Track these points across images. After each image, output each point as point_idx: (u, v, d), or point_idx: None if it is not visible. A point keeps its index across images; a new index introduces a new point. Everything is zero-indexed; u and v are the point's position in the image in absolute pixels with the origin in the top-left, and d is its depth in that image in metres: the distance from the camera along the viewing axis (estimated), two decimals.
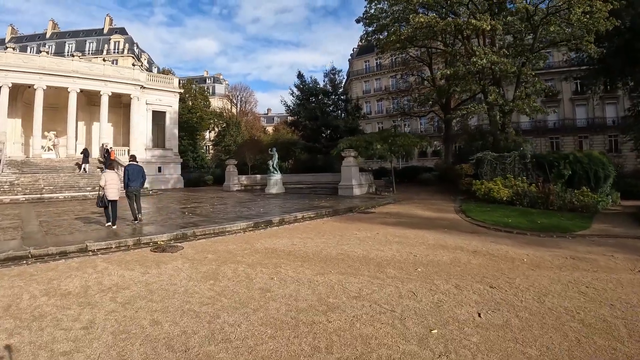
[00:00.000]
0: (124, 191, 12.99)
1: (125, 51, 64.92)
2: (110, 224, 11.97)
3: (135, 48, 68.91)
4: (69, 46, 62.81)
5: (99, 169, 31.85)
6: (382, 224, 13.35)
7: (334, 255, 8.60)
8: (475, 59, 24.11)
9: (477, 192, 20.68)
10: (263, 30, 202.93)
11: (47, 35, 66.95)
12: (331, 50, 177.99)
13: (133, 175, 12.79)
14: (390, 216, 15.57)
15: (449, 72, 27.18)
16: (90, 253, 9.10)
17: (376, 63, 67.47)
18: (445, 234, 11.63)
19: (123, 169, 13.69)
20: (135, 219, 12.77)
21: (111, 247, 9.66)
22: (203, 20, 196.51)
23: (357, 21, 34.17)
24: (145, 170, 33.60)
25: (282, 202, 21.40)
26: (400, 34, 28.49)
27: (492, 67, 24.63)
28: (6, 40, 59.64)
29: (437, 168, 37.87)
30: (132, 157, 13.93)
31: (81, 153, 31.26)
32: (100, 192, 12.03)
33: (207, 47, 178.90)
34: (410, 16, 25.39)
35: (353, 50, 73.24)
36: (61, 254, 8.94)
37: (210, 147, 69.36)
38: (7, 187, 26.42)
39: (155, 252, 9.16)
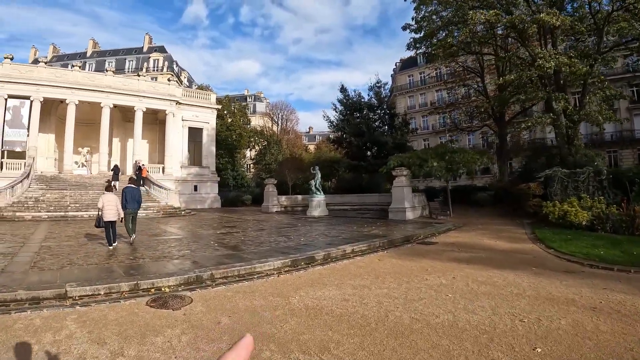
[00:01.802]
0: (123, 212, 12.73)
1: (165, 69, 64.54)
2: (111, 247, 11.78)
3: (174, 66, 68.57)
4: (108, 64, 62.80)
5: None
6: (454, 261, 10.23)
7: (407, 322, 5.55)
8: (541, 62, 21.18)
9: (550, 216, 17.50)
10: (304, 51, 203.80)
11: (88, 54, 67.62)
12: (371, 70, 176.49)
13: (131, 197, 13.04)
14: (459, 249, 12.37)
15: (512, 77, 24.03)
16: (69, 302, 6.74)
17: (420, 77, 64.48)
18: (538, 276, 8.46)
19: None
20: (130, 241, 12.86)
21: (98, 294, 7.15)
22: (245, 42, 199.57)
23: (404, 28, 31.43)
24: (180, 189, 32.44)
25: (326, 227, 18.54)
26: (456, 36, 25.76)
27: (563, 69, 21.65)
28: (48, 59, 60.22)
29: (492, 187, 34.38)
30: (131, 180, 14.68)
31: (111, 170, 29.49)
32: (98, 214, 12.17)
33: (249, 68, 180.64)
34: (470, 13, 22.36)
35: (395, 65, 70.44)
36: (32, 301, 6.69)
37: (251, 165, 67.62)
38: (31, 203, 24.97)
39: (152, 306, 6.45)
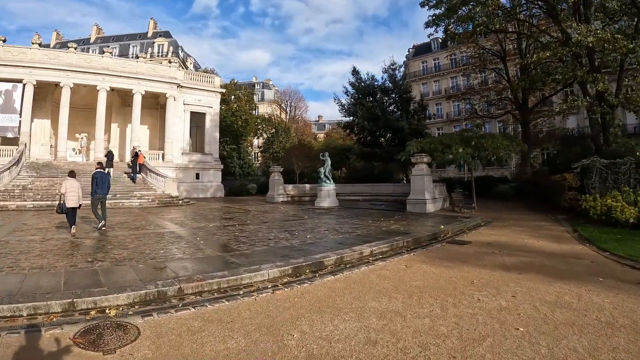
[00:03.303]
0: (90, 198, 12.82)
1: (170, 54, 62.16)
2: (73, 231, 11.57)
3: (180, 51, 66.18)
4: (112, 50, 60.68)
5: (125, 174, 28.02)
6: (502, 269, 7.91)
7: None
8: (579, 37, 18.89)
9: (591, 211, 15.13)
10: (315, 41, 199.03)
11: (91, 40, 65.61)
12: (381, 64, 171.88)
13: (101, 182, 12.69)
14: (500, 250, 9.99)
15: (547, 54, 21.60)
16: None
17: (434, 64, 61.75)
18: (615, 292, 6.32)
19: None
20: (99, 226, 12.63)
21: (19, 316, 4.96)
22: (256, 32, 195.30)
23: (422, 5, 28.56)
24: (181, 177, 30.49)
25: (337, 221, 16.19)
26: (479, 12, 23.33)
27: (606, 46, 19.65)
28: (51, 45, 58.37)
29: (515, 179, 31.93)
30: (100, 165, 13.73)
31: (105, 156, 27.39)
32: (60, 200, 11.72)
33: (260, 58, 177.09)
34: None
35: (408, 51, 67.46)
36: None
37: (259, 154, 65.40)
38: (17, 191, 22.97)
39: (78, 342, 4.29)
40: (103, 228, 12.54)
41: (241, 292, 6.10)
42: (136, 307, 5.46)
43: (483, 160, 20.79)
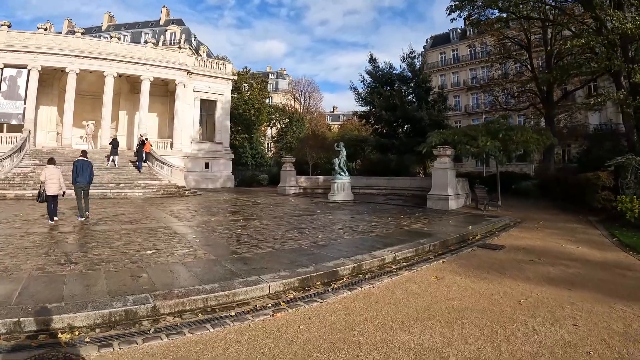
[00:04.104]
0: (73, 187, 12.72)
1: (182, 42, 60.89)
2: (52, 222, 11.25)
3: (192, 39, 64.97)
4: (124, 38, 59.71)
5: (130, 163, 26.98)
6: (549, 283, 6.60)
7: None
8: (616, 23, 17.83)
9: (628, 214, 13.69)
10: (331, 32, 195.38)
11: (103, 28, 64.66)
12: (398, 53, 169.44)
13: (81, 171, 12.54)
14: (538, 258, 8.62)
15: (582, 41, 20.13)
16: None
17: (453, 55, 59.70)
18: None
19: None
20: (82, 217, 12.30)
21: None
22: (271, 22, 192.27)
23: None
24: (190, 166, 29.49)
25: (352, 217, 14.83)
26: None
27: None
28: (63, 33, 57.57)
29: (537, 175, 30.37)
30: (83, 152, 13.55)
31: (110, 144, 26.35)
32: (40, 188, 11.51)
33: (275, 48, 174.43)
34: None
35: (426, 41, 65.31)
36: None
37: (272, 145, 64.19)
38: (18, 180, 22.07)
39: None
40: (81, 219, 12.13)
41: (233, 314, 4.80)
42: (97, 330, 4.25)
43: (511, 154, 19.30)
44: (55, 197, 11.51)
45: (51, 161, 12.12)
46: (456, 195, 18.99)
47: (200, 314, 4.75)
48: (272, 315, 4.78)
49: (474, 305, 5.36)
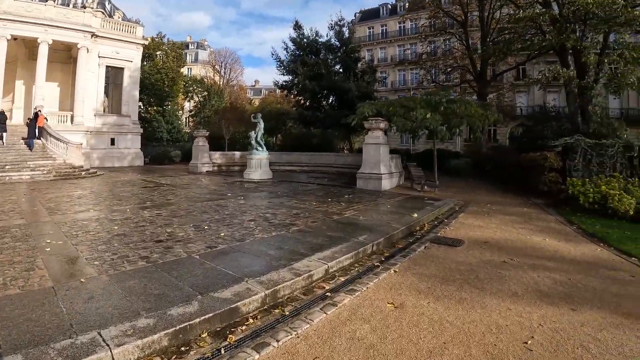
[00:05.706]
0: None
1: (95, 5, 54.99)
2: None
3: (106, 3, 58.95)
4: None
5: (22, 140, 23.25)
6: (544, 302, 5.24)
7: None
8: None
9: (581, 198, 12.80)
10: (258, 7, 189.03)
11: None
12: (329, 15, 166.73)
13: None
14: (510, 257, 7.36)
15: (526, 14, 20.39)
16: None
17: (382, 30, 58.80)
18: None
19: None
20: None
21: None
22: None
23: None
24: (93, 142, 26.19)
25: (270, 202, 12.87)
26: None
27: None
28: None
29: (469, 154, 30.41)
30: None
31: None
32: None
33: (200, 21, 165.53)
34: None
35: (355, 15, 63.92)
36: None
37: (189, 119, 60.48)
38: None
39: None
40: None
41: None
42: None
43: (454, 129, 18.29)
44: None
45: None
46: (390, 174, 17.82)
47: None
48: None
49: (466, 357, 3.83)
